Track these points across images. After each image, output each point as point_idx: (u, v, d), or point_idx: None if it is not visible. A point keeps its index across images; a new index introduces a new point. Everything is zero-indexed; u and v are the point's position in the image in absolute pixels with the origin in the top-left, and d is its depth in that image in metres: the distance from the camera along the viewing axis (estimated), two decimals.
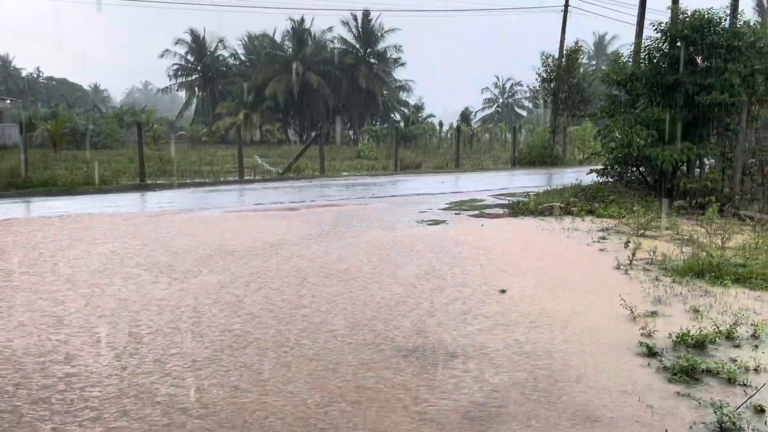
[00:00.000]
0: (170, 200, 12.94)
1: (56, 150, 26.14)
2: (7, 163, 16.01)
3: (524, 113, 66.43)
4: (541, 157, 23.78)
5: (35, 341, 4.24)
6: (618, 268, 6.47)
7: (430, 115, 48.03)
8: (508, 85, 66.62)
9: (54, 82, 75.42)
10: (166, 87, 55.26)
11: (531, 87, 36.33)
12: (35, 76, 74.95)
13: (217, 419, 3.15)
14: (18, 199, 12.91)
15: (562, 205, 10.72)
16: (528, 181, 16.77)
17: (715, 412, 3.16)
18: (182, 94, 57.15)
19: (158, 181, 16.41)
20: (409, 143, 37.20)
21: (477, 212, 10.78)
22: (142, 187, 15.46)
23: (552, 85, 24.06)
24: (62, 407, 3.26)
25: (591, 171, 12.81)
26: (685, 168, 11.73)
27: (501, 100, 67.27)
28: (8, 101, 42.44)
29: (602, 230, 8.83)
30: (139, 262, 6.65)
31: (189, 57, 52.82)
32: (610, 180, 12.61)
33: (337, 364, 3.85)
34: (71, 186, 14.52)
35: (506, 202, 12.13)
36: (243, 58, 54.53)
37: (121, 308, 5.00)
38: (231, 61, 54.99)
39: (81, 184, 14.77)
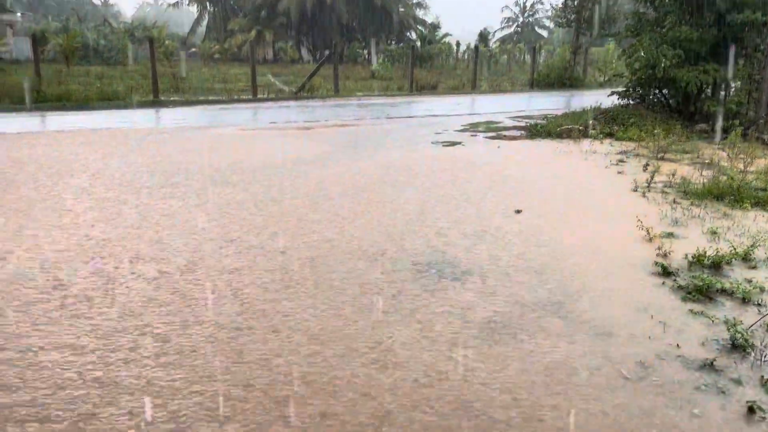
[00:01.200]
0: (184, 117, 12.86)
1: (69, 65, 25.79)
2: (20, 78, 15.87)
3: (545, 33, 64.23)
4: (561, 79, 23.15)
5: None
6: (635, 190, 6.41)
7: (447, 35, 46.55)
8: (529, 4, 64.14)
9: None
10: (177, 2, 53.77)
11: (553, 5, 34.89)
12: None
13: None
14: (35, 114, 12.88)
15: (580, 127, 10.52)
16: (546, 104, 16.41)
17: (728, 330, 3.20)
18: (193, 10, 55.66)
19: (172, 98, 16.26)
20: (425, 63, 36.27)
21: (493, 134, 10.63)
22: (156, 103, 15.34)
23: (575, 2, 23.08)
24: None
25: (612, 93, 12.49)
26: (709, 91, 11.40)
27: (521, 20, 64.94)
28: (19, 14, 41.62)
29: (621, 153, 8.70)
30: (152, 177, 6.68)
31: None
32: (632, 102, 12.31)
33: (349, 278, 3.91)
34: (85, 101, 14.44)
35: (523, 124, 11.92)
36: None
37: (141, 220, 5.07)
38: None
39: (95, 100, 14.69)
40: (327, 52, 30.86)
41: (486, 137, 10.25)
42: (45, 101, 14.09)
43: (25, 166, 7.20)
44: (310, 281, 3.84)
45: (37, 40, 17.62)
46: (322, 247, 4.48)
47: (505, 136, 10.44)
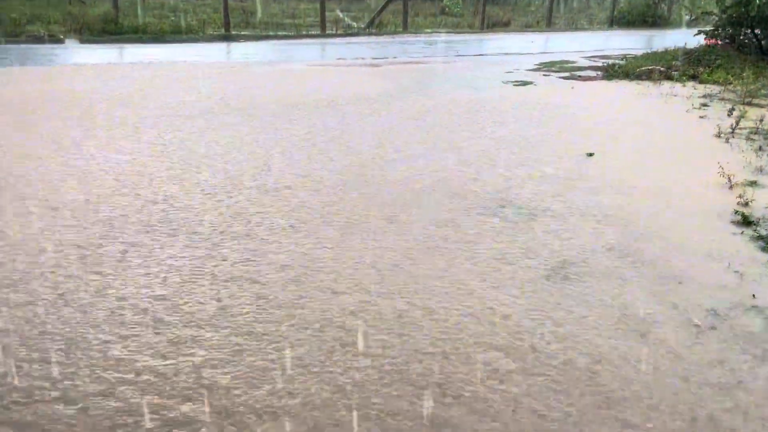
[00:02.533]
0: (254, 52, 12.96)
1: None
2: (99, 10, 16.29)
3: None
4: (643, 17, 21.83)
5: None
6: (719, 136, 6.10)
7: None
8: None
9: None
10: None
11: None
12: None
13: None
14: (113, 45, 13.28)
15: (661, 68, 9.98)
16: (626, 43, 15.58)
17: None
18: None
19: (242, 33, 16.35)
20: None
21: (567, 74, 10.24)
22: (227, 37, 15.48)
23: None
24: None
25: (698, 32, 11.72)
26: None
27: None
28: None
29: (705, 97, 8.23)
30: (224, 110, 6.83)
31: None
32: (720, 43, 11.53)
33: (418, 217, 3.95)
34: (160, 34, 14.73)
35: (600, 64, 11.40)
36: None
37: (213, 149, 5.23)
38: None
39: (169, 33, 14.95)
40: None
41: (559, 77, 9.89)
42: (122, 33, 14.46)
43: (112, 97, 7.49)
44: (378, 219, 3.90)
45: None
46: (388, 186, 4.51)
47: (579, 76, 10.04)
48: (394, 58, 12.24)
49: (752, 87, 8.02)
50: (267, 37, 16.06)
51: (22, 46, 12.84)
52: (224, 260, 3.22)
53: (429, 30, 19.54)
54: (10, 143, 5.31)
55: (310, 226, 3.70)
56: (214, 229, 3.60)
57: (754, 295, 3.02)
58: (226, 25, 16.11)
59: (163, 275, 3.04)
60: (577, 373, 2.39)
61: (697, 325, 2.76)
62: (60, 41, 13.62)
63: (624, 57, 11.87)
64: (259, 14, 19.82)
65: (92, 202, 3.99)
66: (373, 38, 16.88)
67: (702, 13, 14.49)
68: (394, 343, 2.54)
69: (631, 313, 2.84)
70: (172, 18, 16.77)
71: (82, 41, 13.85)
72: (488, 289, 3.01)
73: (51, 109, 6.69)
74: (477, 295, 2.94)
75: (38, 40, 13.52)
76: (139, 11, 16.52)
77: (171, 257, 3.23)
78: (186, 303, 2.79)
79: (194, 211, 3.88)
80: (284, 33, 17.03)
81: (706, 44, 11.53)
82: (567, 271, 3.22)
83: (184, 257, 3.24)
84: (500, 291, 3.00)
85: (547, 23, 21.93)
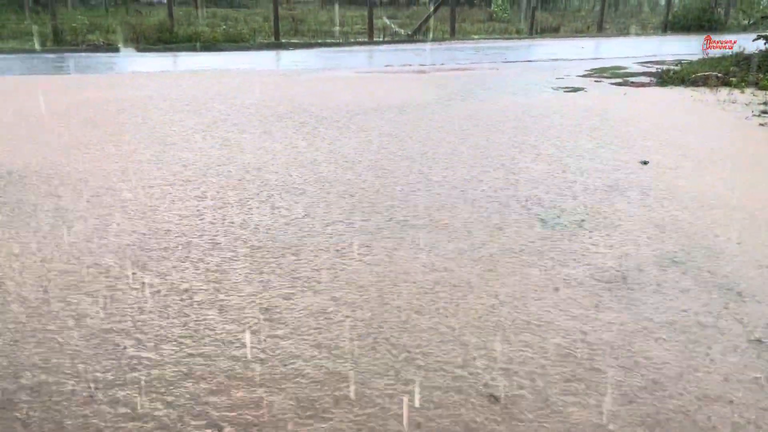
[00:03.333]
0: (303, 59, 13.17)
1: (198, 7, 27.00)
2: (155, 19, 16.84)
3: None
4: (699, 22, 21.24)
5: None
6: None
7: None
8: None
9: None
10: None
11: None
12: None
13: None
14: (168, 54, 13.70)
15: (719, 74, 9.68)
16: (681, 48, 15.19)
17: None
18: None
19: (291, 40, 16.65)
20: (546, 5, 34.51)
21: (620, 80, 10.04)
22: (277, 45, 15.79)
23: None
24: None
25: (758, 37, 11.32)
26: None
27: None
28: None
29: (764, 103, 7.94)
30: (277, 116, 6.94)
31: None
32: None
33: (469, 225, 3.93)
34: (213, 42, 15.13)
35: (654, 70, 11.14)
36: None
37: (262, 154, 5.32)
38: None
39: (222, 41, 15.34)
40: None
41: (611, 83, 9.70)
42: (177, 42, 14.90)
43: (172, 100, 7.72)
44: (429, 226, 3.90)
45: None
46: (440, 192, 4.51)
47: (632, 82, 9.83)
48: (442, 64, 12.24)
49: None
50: (316, 45, 16.31)
51: (82, 54, 13.38)
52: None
53: (476, 36, 19.48)
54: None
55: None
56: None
57: None
58: (276, 34, 16.43)
59: None
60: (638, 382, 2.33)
61: (758, 340, 2.65)
62: (117, 50, 14.13)
63: (679, 62, 11.57)
64: (307, 22, 20.13)
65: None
66: (420, 45, 16.92)
67: (761, 17, 14.01)
68: None
69: (688, 325, 2.75)
70: (224, 27, 17.21)
71: (139, 50, 14.34)
72: (531, 300, 2.97)
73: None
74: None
75: (96, 48, 14.07)
76: (199, 18, 17.01)
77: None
78: None
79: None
80: (332, 40, 17.26)
81: (766, 49, 11.11)
82: (617, 280, 3.15)
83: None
84: (543, 298, 2.95)
85: (598, 28, 21.57)
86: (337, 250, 3.44)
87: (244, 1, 32.39)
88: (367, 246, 3.51)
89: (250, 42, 15.83)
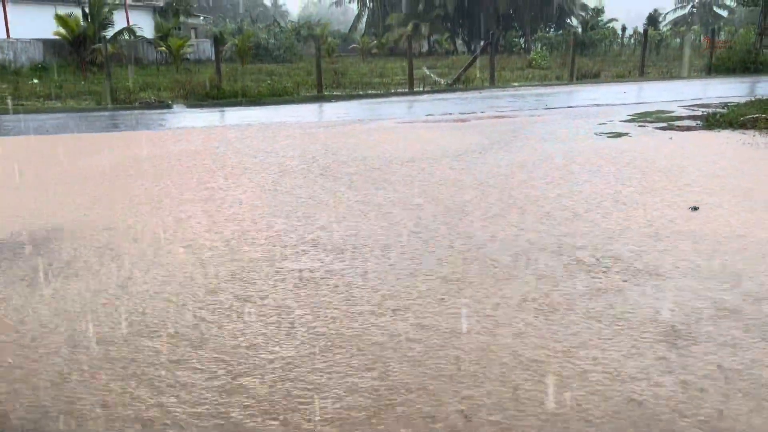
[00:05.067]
0: (346, 111, 13.45)
1: (243, 63, 28.06)
2: (203, 76, 17.56)
3: (724, 13, 58.35)
4: (744, 64, 20.89)
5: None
6: None
7: (612, 20, 43.91)
8: None
9: None
10: (338, 0, 56.22)
11: None
12: None
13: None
14: (216, 109, 14.21)
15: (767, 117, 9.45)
16: (726, 91, 14.94)
17: None
18: (354, 6, 57.88)
19: (334, 93, 17.07)
20: (586, 51, 34.62)
21: (664, 124, 9.90)
22: (320, 98, 16.20)
23: None
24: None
25: None
26: None
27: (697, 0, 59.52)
28: (201, 18, 45.98)
29: None
30: (323, 168, 7.07)
31: None
32: None
33: (512, 275, 3.87)
34: (258, 97, 15.64)
35: (699, 113, 10.96)
36: None
37: (302, 206, 5.40)
38: None
39: (267, 95, 15.85)
40: (482, 43, 30.50)
41: (656, 128, 9.57)
42: (224, 97, 15.46)
43: (226, 156, 7.97)
44: (475, 276, 3.86)
45: (218, 42, 19.35)
46: (482, 242, 4.48)
47: (677, 126, 9.67)
48: (482, 112, 12.33)
49: None
50: (357, 96, 16.67)
51: (135, 111, 14.00)
52: None
53: (516, 83, 19.62)
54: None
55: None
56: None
57: None
58: (319, 86, 16.89)
59: None
60: None
61: None
62: (169, 106, 14.74)
63: (725, 105, 11.37)
64: (349, 75, 20.64)
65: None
66: (459, 94, 17.11)
67: None
68: None
69: (747, 377, 2.62)
70: (269, 81, 17.79)
71: (189, 105, 14.92)
72: (590, 349, 2.88)
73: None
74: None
75: (149, 105, 14.71)
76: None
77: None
78: None
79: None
80: (373, 92, 17.62)
81: None
82: (674, 332, 3.03)
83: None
84: (601, 354, 2.86)
85: (640, 72, 21.46)
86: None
87: (287, 56, 33.53)
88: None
89: (294, 95, 16.31)
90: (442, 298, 3.50)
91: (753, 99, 11.47)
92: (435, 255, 4.19)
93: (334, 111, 13.54)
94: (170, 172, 7.03)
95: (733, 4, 56.45)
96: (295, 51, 35.79)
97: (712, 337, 3.01)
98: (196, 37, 38.50)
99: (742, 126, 9.22)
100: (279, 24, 45.15)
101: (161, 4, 38.37)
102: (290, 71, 23.72)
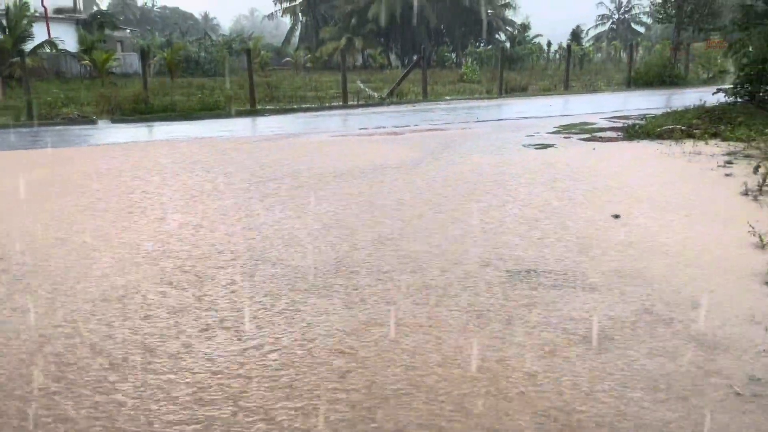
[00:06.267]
0: (279, 125, 13.35)
1: (173, 77, 27.42)
2: (130, 90, 17.04)
3: (642, 30, 61.55)
4: (660, 77, 22.08)
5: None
6: (746, 194, 6.02)
7: (538, 35, 45.59)
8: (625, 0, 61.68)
9: (167, 11, 78.42)
10: (271, 13, 55.90)
11: (652, 0, 33.37)
12: (149, 5, 78.14)
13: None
14: (143, 124, 13.80)
15: (683, 127, 9.99)
16: (645, 103, 15.72)
17: None
18: (287, 20, 57.68)
19: (267, 107, 16.92)
20: (514, 65, 35.71)
21: (588, 135, 10.31)
22: (253, 112, 16.02)
23: None
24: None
25: (717, 90, 11.81)
26: None
27: (616, 16, 62.59)
28: (128, 31, 44.70)
29: (728, 154, 8.19)
30: (250, 183, 6.97)
31: None
32: (740, 100, 11.56)
33: (447, 285, 3.92)
34: (188, 111, 15.30)
35: (620, 125, 11.49)
36: None
37: (232, 229, 5.31)
38: None
39: (197, 110, 15.52)
40: (415, 57, 30.97)
41: (580, 139, 9.96)
42: (152, 112, 15.04)
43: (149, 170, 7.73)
44: (409, 286, 3.88)
45: (145, 55, 18.84)
46: (414, 255, 4.52)
47: (600, 137, 10.10)
48: (416, 125, 12.49)
49: None
50: (291, 110, 16.58)
51: (57, 127, 13.41)
52: None
53: (448, 97, 20.00)
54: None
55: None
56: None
57: None
58: (252, 101, 16.69)
59: None
60: None
61: (739, 394, 2.65)
62: (93, 122, 14.20)
63: (644, 117, 11.95)
64: (282, 88, 20.51)
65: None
66: (393, 107, 17.29)
67: (718, 72, 14.64)
68: None
69: (669, 380, 2.74)
70: (200, 95, 17.45)
71: (114, 121, 14.43)
72: (514, 360, 2.94)
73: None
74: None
75: (72, 121, 14.13)
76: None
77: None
78: None
79: None
80: (308, 105, 17.57)
81: (726, 102, 11.57)
82: (597, 337, 3.14)
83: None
84: (527, 359, 2.93)
85: (565, 86, 22.31)
86: None
87: (219, 70, 32.98)
88: None
89: (226, 110, 16.06)
90: (362, 301, 3.51)
91: (669, 111, 12.10)
92: (363, 273, 4.19)
93: (268, 125, 13.41)
94: (85, 190, 6.75)
95: (649, 21, 59.67)
96: (227, 65, 35.27)
97: (634, 341, 3.14)
98: (123, 50, 37.35)
99: (659, 136, 9.71)
100: (210, 37, 44.43)
101: (85, 16, 37.09)
102: (222, 85, 23.32)
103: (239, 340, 3.18)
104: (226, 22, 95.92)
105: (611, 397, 2.64)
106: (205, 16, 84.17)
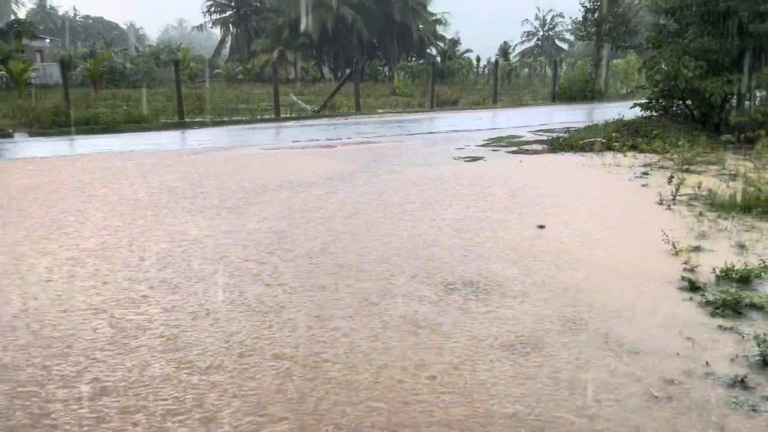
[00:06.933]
0: (209, 138, 13.06)
1: (96, 89, 26.42)
2: (50, 102, 16.29)
3: (565, 46, 64.10)
4: (583, 92, 23.02)
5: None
6: (661, 203, 6.34)
7: (468, 50, 46.71)
8: (549, 17, 64.17)
9: (90, 21, 75.68)
10: (201, 24, 54.84)
11: (573, 18, 34.86)
12: (72, 15, 75.22)
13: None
14: (63, 137, 13.19)
15: (603, 140, 10.45)
16: (568, 117, 16.34)
17: (758, 345, 3.14)
18: (217, 32, 56.77)
19: (196, 120, 16.53)
20: (445, 79, 36.41)
21: (515, 148, 10.61)
22: (181, 125, 15.61)
23: (596, 15, 23.05)
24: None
25: (634, 105, 12.42)
26: (734, 101, 11.26)
27: (541, 33, 64.96)
28: (48, 40, 42.80)
29: (645, 165, 8.62)
30: (180, 199, 6.78)
31: None
32: (655, 114, 12.21)
33: (379, 300, 3.93)
34: (113, 124, 14.75)
35: (545, 138, 11.88)
36: None
37: (166, 243, 5.15)
38: None
39: (122, 122, 14.99)
40: (348, 71, 31.12)
41: (508, 152, 10.23)
42: (73, 125, 14.42)
43: (62, 186, 7.37)
44: (339, 291, 3.86)
45: (66, 66, 18.07)
46: (347, 268, 4.50)
47: (526, 150, 10.41)
48: (348, 138, 12.50)
49: (688, 155, 8.44)
50: (222, 123, 16.26)
51: None
52: None
53: (381, 110, 20.14)
54: None
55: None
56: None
57: (707, 362, 3.06)
58: (180, 113, 16.27)
59: None
60: None
61: (655, 396, 2.76)
62: (9, 135, 13.47)
63: (567, 130, 12.41)
64: (213, 101, 20.13)
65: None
66: (326, 120, 17.26)
67: (636, 87, 15.41)
68: None
69: (590, 385, 2.83)
70: (125, 107, 16.87)
71: (33, 134, 13.74)
72: (440, 366, 2.97)
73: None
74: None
75: None
76: None
77: None
78: None
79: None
80: (239, 118, 17.29)
81: (642, 116, 12.18)
82: (520, 345, 3.22)
83: None
84: (451, 367, 2.96)
85: (493, 100, 22.90)
86: None
87: (146, 81, 32.04)
88: None
89: (153, 122, 15.58)
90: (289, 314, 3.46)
91: (590, 124, 12.62)
92: (289, 285, 4.15)
93: (197, 138, 13.10)
94: None
95: (572, 38, 62.25)
96: (155, 76, 34.31)
97: (557, 348, 3.23)
98: (42, 60, 35.73)
99: (582, 149, 10.11)
100: (136, 48, 43.14)
101: (1, 25, 35.30)
102: (149, 97, 22.66)
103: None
104: (153, 33, 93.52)
105: (532, 402, 2.70)
106: (132, 26, 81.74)
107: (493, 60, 34.76)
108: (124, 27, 78.81)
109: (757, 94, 11.35)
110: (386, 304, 3.80)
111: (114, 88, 28.75)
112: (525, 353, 3.17)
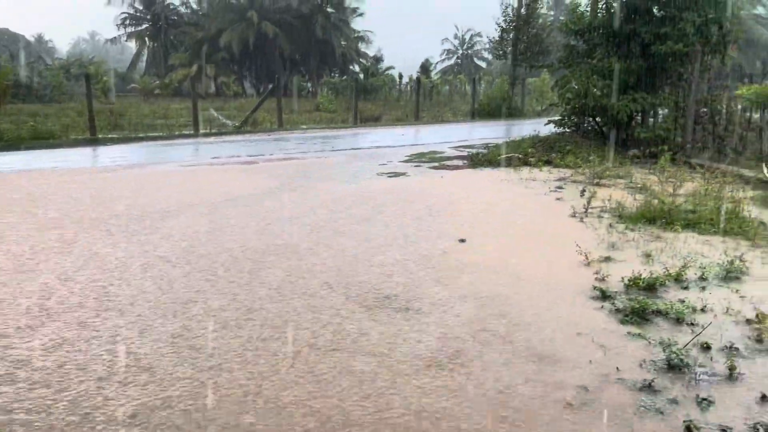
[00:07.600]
0: (123, 155, 12.57)
1: (0, 104, 24.91)
2: None
3: (484, 65, 66.19)
4: (501, 109, 23.79)
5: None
6: (574, 216, 6.61)
7: (390, 67, 47.31)
8: (467, 36, 66.12)
9: None
10: (115, 37, 52.87)
11: (490, 38, 36.06)
12: None
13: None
14: None
15: (520, 156, 10.81)
16: (487, 133, 16.82)
17: (664, 350, 3.30)
18: (132, 45, 54.93)
19: (110, 136, 15.87)
20: (368, 96, 36.67)
21: (437, 164, 10.80)
22: (93, 141, 14.93)
23: (511, 35, 23.97)
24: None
25: (549, 122, 12.93)
26: (639, 118, 11.95)
27: (461, 51, 66.80)
28: None
29: (559, 180, 8.97)
30: (92, 219, 6.47)
31: (137, 5, 50.50)
32: (567, 131, 12.77)
33: (298, 316, 3.86)
34: (18, 141, 13.92)
35: (465, 153, 12.16)
36: (195, 6, 52.40)
37: (82, 264, 4.88)
38: (183, 9, 52.81)
39: (28, 139, 14.17)
40: (270, 86, 30.83)
41: (429, 167, 10.40)
42: None
43: None
44: (266, 311, 3.77)
45: None
46: (267, 285, 4.41)
47: (447, 165, 10.61)
48: (271, 155, 12.35)
49: (598, 169, 8.86)
50: (138, 139, 15.68)
51: None
52: None
53: (304, 126, 20.04)
54: None
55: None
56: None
57: (618, 368, 3.18)
58: (92, 129, 15.56)
59: None
60: None
61: (570, 404, 2.84)
62: None
63: (486, 146, 12.77)
64: (128, 116, 19.40)
65: None
66: (248, 136, 16.99)
67: (550, 104, 16.08)
68: None
69: (508, 394, 2.88)
70: (32, 123, 15.96)
71: None
72: (367, 383, 2.95)
73: None
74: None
75: None
76: None
77: None
78: None
79: None
80: (156, 134, 16.74)
81: (556, 132, 12.71)
82: (441, 358, 3.24)
83: None
84: (375, 383, 2.94)
85: (415, 117, 23.27)
86: None
87: (55, 96, 30.51)
88: None
89: (63, 138, 14.82)
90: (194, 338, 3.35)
91: (508, 140, 13.06)
92: (201, 305, 4.02)
93: (110, 155, 12.56)
94: None
95: (490, 57, 64.35)
96: (65, 90, 32.68)
97: (475, 359, 3.27)
98: None
99: (500, 164, 10.42)
100: (44, 61, 41.10)
101: None
102: (59, 112, 21.56)
103: None
104: (63, 46, 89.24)
105: (449, 413, 2.71)
106: (39, 39, 77.79)
107: (414, 77, 35.42)
108: (32, 39, 74.87)
109: (660, 111, 12.09)
110: (299, 324, 3.74)
111: (20, 104, 27.19)
112: (441, 365, 3.19)
